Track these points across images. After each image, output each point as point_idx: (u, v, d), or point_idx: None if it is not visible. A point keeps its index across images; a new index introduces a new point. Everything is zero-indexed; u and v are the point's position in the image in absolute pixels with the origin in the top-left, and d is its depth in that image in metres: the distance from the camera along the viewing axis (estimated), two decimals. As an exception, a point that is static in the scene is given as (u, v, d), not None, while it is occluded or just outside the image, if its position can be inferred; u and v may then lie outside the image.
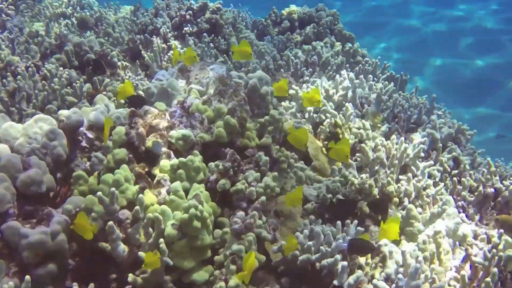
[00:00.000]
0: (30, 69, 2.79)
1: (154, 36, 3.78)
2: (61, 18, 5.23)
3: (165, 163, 2.11)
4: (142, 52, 3.63)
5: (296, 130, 2.20)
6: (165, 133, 2.19)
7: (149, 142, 2.15)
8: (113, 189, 1.88)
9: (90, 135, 2.47)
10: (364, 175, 2.58)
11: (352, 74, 3.39)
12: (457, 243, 2.27)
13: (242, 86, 2.66)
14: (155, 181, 2.09)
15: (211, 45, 3.89)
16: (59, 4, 5.53)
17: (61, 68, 2.99)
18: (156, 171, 2.13)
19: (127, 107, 2.66)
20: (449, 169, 2.81)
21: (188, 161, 2.08)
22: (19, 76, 2.73)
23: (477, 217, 2.60)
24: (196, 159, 2.10)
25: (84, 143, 2.45)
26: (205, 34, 3.96)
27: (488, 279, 1.91)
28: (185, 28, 3.96)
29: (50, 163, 2.24)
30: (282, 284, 2.09)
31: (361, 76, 3.52)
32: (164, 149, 2.16)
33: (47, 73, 2.82)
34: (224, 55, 3.93)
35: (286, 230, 2.30)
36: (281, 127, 2.42)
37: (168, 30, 3.90)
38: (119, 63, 3.45)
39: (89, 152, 2.46)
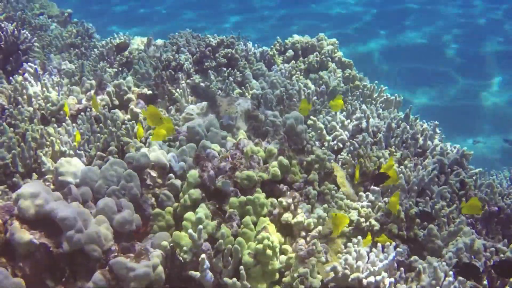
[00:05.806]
0: (87, 113, 3.10)
1: (179, 73, 4.11)
2: (71, 49, 5.53)
3: (234, 200, 2.48)
4: (170, 88, 3.97)
5: (470, 201, 2.71)
6: (231, 173, 2.55)
7: (219, 183, 2.51)
8: (200, 226, 2.25)
9: (154, 174, 2.82)
10: (386, 199, 3.00)
11: (364, 106, 3.81)
12: (472, 256, 2.72)
13: (281, 125, 3.05)
14: (226, 216, 2.46)
15: (231, 78, 4.26)
16: (68, 34, 5.83)
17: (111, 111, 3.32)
18: (226, 207, 2.50)
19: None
20: (457, 191, 3.24)
21: (255, 198, 2.46)
22: (79, 121, 3.04)
23: (484, 232, 3.06)
24: (261, 196, 2.48)
25: (148, 181, 2.80)
26: (224, 68, 4.34)
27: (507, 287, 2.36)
28: (206, 64, 4.32)
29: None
30: (334, 298, 2.48)
31: (372, 107, 3.94)
32: (231, 188, 2.53)
33: (101, 116, 3.15)
34: (242, 87, 4.31)
35: (331, 251, 2.71)
36: (325, 165, 2.81)
37: (190, 65, 4.25)
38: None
39: (153, 189, 2.81)
